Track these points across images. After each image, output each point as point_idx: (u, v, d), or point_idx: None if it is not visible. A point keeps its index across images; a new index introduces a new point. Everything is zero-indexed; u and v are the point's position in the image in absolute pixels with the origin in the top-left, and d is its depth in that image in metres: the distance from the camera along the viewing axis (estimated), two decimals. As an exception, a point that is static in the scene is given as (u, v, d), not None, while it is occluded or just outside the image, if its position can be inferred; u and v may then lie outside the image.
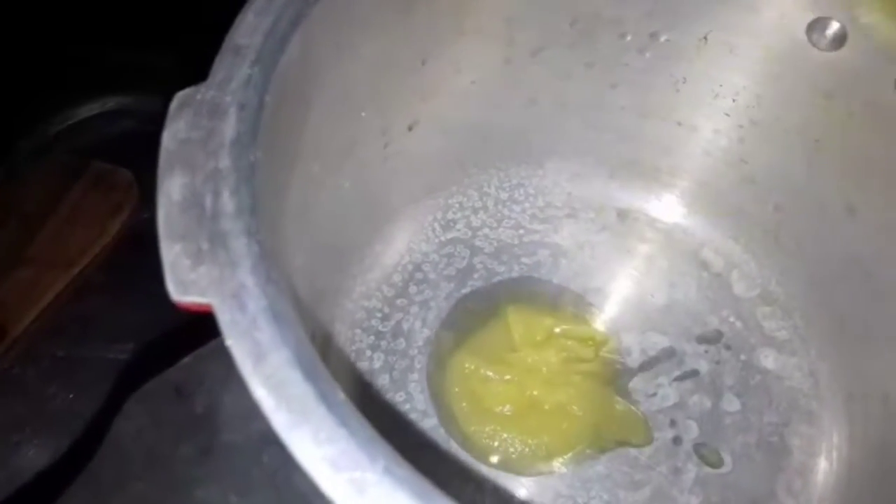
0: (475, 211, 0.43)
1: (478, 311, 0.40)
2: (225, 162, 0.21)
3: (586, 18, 0.35)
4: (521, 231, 0.43)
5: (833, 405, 0.38)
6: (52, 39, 0.49)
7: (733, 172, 0.40)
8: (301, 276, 0.31)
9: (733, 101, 0.37)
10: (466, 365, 0.37)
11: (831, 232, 0.37)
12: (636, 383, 0.39)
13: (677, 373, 0.39)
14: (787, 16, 0.33)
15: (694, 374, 0.39)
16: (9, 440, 0.39)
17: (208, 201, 0.20)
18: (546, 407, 0.36)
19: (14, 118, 0.48)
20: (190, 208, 0.20)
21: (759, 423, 0.38)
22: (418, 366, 0.39)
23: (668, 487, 0.36)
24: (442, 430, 0.37)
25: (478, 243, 0.42)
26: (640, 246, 0.42)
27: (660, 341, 0.40)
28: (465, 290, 0.41)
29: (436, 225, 0.42)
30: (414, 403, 0.37)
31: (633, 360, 0.39)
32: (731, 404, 0.38)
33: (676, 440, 0.37)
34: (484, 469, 0.36)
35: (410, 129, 0.36)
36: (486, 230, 0.43)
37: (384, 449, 0.17)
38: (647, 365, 0.39)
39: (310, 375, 0.18)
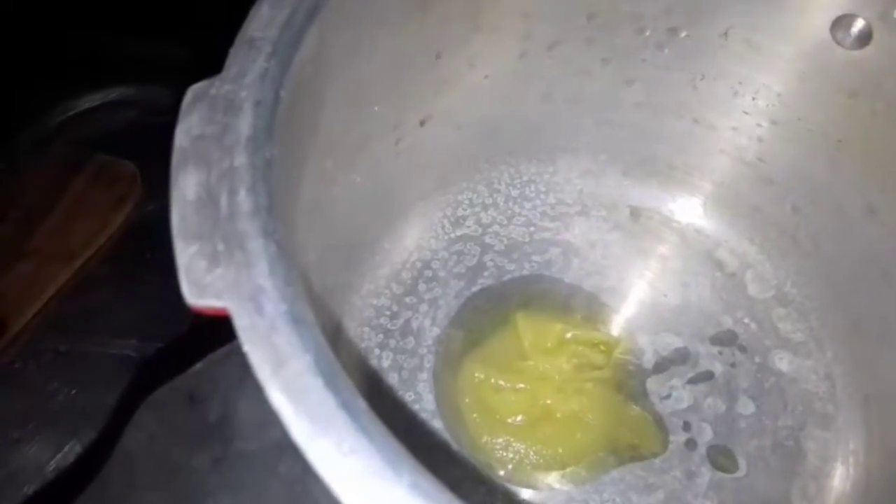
0: (485, 208, 0.42)
1: (488, 309, 0.40)
2: (241, 159, 0.20)
3: (604, 13, 0.34)
4: (532, 228, 0.42)
5: (849, 409, 0.37)
6: (53, 28, 0.48)
7: (751, 172, 0.39)
8: (311, 273, 0.30)
9: (753, 99, 0.36)
10: (477, 374, 0.36)
11: (850, 233, 0.36)
12: (650, 385, 0.38)
13: (691, 374, 0.38)
14: (811, 13, 0.32)
15: (708, 376, 0.38)
16: (9, 437, 0.39)
17: (224, 200, 0.20)
18: (559, 416, 0.36)
19: (15, 109, 0.47)
20: (205, 207, 0.19)
21: (774, 427, 0.37)
22: (427, 365, 0.38)
23: (681, 491, 0.35)
24: (453, 428, 0.36)
25: (488, 241, 0.41)
26: (654, 245, 0.42)
27: (673, 342, 0.39)
28: (475, 289, 0.40)
29: (445, 222, 0.41)
30: (423, 404, 0.37)
31: (647, 361, 0.39)
32: (746, 407, 0.38)
33: (690, 443, 0.37)
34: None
35: (423, 124, 0.36)
36: (497, 227, 0.42)
37: (410, 462, 0.16)
38: (661, 366, 0.39)
39: (331, 383, 0.17)
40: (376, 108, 0.32)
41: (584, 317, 0.39)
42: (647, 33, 0.35)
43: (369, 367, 0.37)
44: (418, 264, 0.40)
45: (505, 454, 0.35)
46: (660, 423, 0.37)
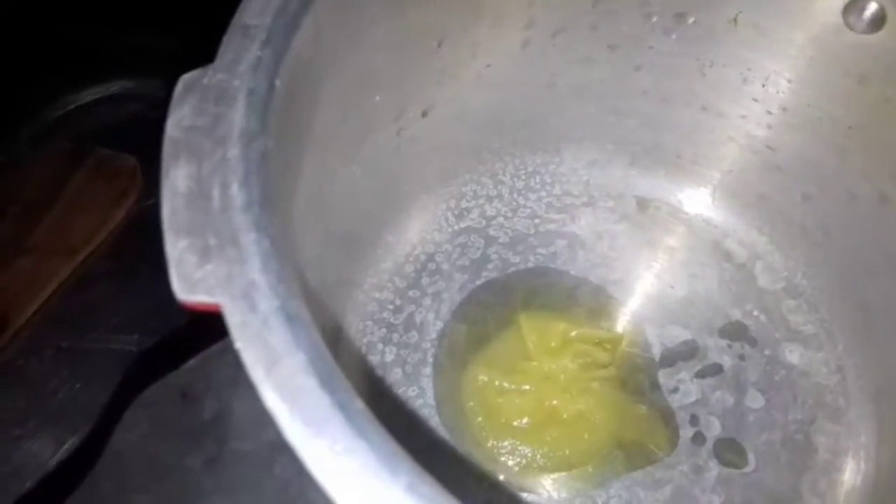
0: (489, 199, 0.41)
1: (492, 303, 0.39)
2: (234, 151, 0.20)
3: (610, -2, 0.34)
4: (537, 220, 0.41)
5: (860, 402, 0.37)
6: (53, 22, 0.48)
7: (759, 160, 0.38)
8: (311, 268, 0.30)
9: (762, 86, 0.35)
10: (481, 377, 0.36)
11: (862, 222, 0.36)
12: (657, 379, 0.37)
13: (699, 368, 0.38)
14: (822, -4, 0.31)
15: (716, 368, 0.38)
16: (11, 433, 0.38)
17: (216, 193, 0.19)
18: (565, 417, 0.35)
19: (15, 103, 0.47)
20: (196, 201, 0.19)
21: (784, 421, 0.36)
22: (431, 360, 0.37)
23: (689, 487, 0.35)
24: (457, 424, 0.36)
25: (492, 233, 0.41)
26: (661, 236, 0.41)
27: (681, 335, 0.39)
28: (479, 282, 0.40)
29: (449, 214, 0.41)
30: (427, 398, 0.36)
31: (654, 354, 0.38)
32: (755, 401, 0.37)
33: (698, 438, 0.36)
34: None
35: (425, 114, 0.35)
36: (501, 219, 0.41)
37: (407, 463, 0.16)
38: (668, 359, 0.38)
39: (326, 382, 0.17)
40: (377, 98, 0.31)
41: (590, 309, 0.39)
42: (654, 19, 0.35)
43: (373, 362, 0.37)
44: (422, 257, 0.40)
45: (511, 458, 0.34)
46: (668, 418, 0.36)
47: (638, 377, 0.37)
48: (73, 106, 0.48)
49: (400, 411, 0.36)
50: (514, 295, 0.39)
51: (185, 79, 0.21)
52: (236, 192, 0.19)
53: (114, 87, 0.49)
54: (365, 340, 0.37)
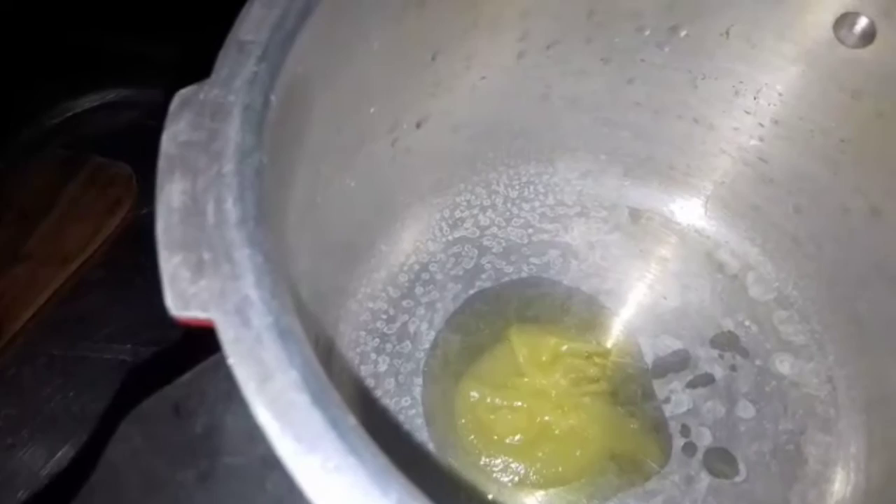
0: (483, 209, 0.42)
1: (485, 313, 0.39)
2: (228, 166, 0.20)
3: (604, 11, 0.34)
4: (531, 230, 0.41)
5: (851, 413, 0.37)
6: (50, 29, 0.48)
7: (752, 172, 0.38)
8: (305, 278, 0.30)
9: (754, 98, 0.36)
10: (472, 394, 0.35)
11: (853, 235, 0.36)
12: (649, 389, 0.37)
13: (691, 378, 0.38)
14: (814, 11, 0.32)
15: (708, 379, 0.38)
16: (4, 441, 0.38)
17: (210, 209, 0.19)
18: (557, 433, 0.35)
19: (11, 110, 0.47)
20: (191, 216, 0.19)
21: (775, 431, 0.37)
22: (425, 370, 0.37)
23: (680, 497, 0.35)
24: (449, 437, 0.36)
25: (486, 243, 0.41)
26: (654, 247, 0.41)
27: (673, 345, 0.39)
28: (472, 291, 0.40)
29: (443, 224, 0.41)
30: (420, 409, 0.36)
31: (646, 364, 0.38)
32: (746, 411, 0.37)
33: (689, 448, 0.36)
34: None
35: (419, 125, 0.35)
36: (495, 229, 0.41)
37: (398, 480, 0.16)
38: (660, 369, 0.38)
39: (318, 399, 0.17)
40: (372, 111, 0.31)
41: (583, 320, 0.39)
42: (647, 32, 0.35)
43: (366, 372, 0.37)
44: (415, 267, 0.40)
45: (504, 475, 0.34)
46: (660, 428, 0.36)
47: (630, 387, 0.37)
48: (69, 113, 0.48)
49: (393, 421, 0.36)
50: (507, 305, 0.39)
51: (182, 94, 0.21)
52: (231, 208, 0.19)
53: (110, 95, 0.49)
54: (358, 350, 0.37)
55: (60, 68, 0.49)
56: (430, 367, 0.37)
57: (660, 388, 0.38)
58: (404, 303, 0.39)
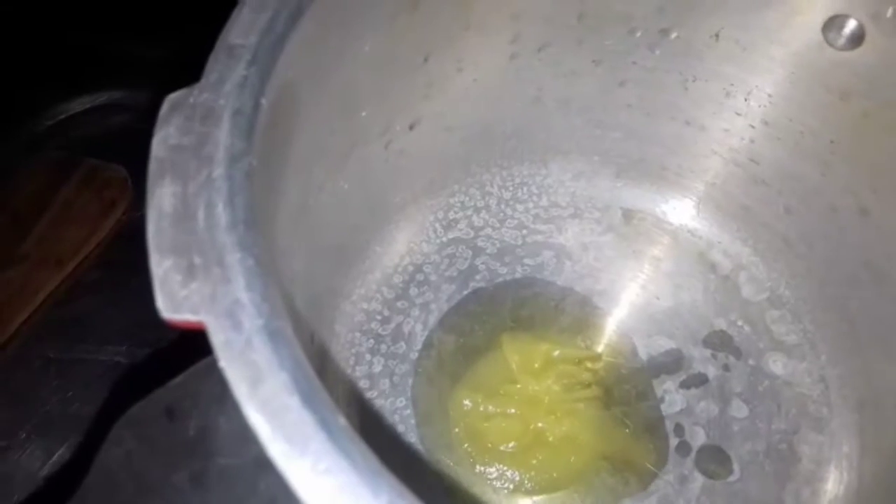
0: (477, 210, 0.42)
1: (479, 313, 0.39)
2: (219, 170, 0.20)
3: (595, 13, 0.34)
4: (525, 231, 0.42)
5: (843, 412, 0.37)
6: (42, 31, 0.48)
7: (743, 173, 0.39)
8: (299, 280, 0.30)
9: (745, 100, 0.36)
10: (465, 402, 0.36)
11: (843, 234, 0.36)
12: (643, 389, 0.38)
13: (684, 378, 0.38)
14: (803, 13, 0.32)
15: (701, 379, 0.38)
16: (-1, 444, 0.38)
17: (201, 213, 0.19)
18: (551, 439, 0.35)
19: (4, 113, 0.47)
20: (181, 220, 0.19)
21: (768, 431, 0.37)
22: (419, 370, 0.38)
23: (674, 496, 0.35)
24: (443, 440, 0.36)
25: (480, 244, 0.41)
26: (646, 247, 0.41)
27: (666, 345, 0.39)
28: (466, 292, 0.40)
29: (437, 225, 0.41)
30: (415, 409, 0.37)
31: (639, 364, 0.38)
32: (739, 410, 0.37)
33: (683, 448, 0.36)
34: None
35: (412, 127, 0.35)
36: (489, 230, 0.42)
37: (388, 481, 0.16)
38: (654, 369, 0.38)
39: (308, 400, 0.17)
40: (364, 114, 0.31)
41: (576, 320, 0.39)
42: (639, 34, 0.35)
43: (361, 373, 0.37)
44: (410, 268, 0.40)
45: (498, 482, 0.34)
46: (655, 429, 0.36)
47: (623, 387, 0.38)
48: (63, 116, 0.48)
49: (387, 422, 0.36)
50: (501, 306, 0.40)
51: (171, 98, 0.21)
52: (221, 212, 0.19)
53: (104, 97, 0.49)
54: (353, 351, 0.38)
55: (53, 71, 0.49)
56: (425, 367, 0.38)
57: (654, 387, 0.38)
58: (399, 304, 0.39)
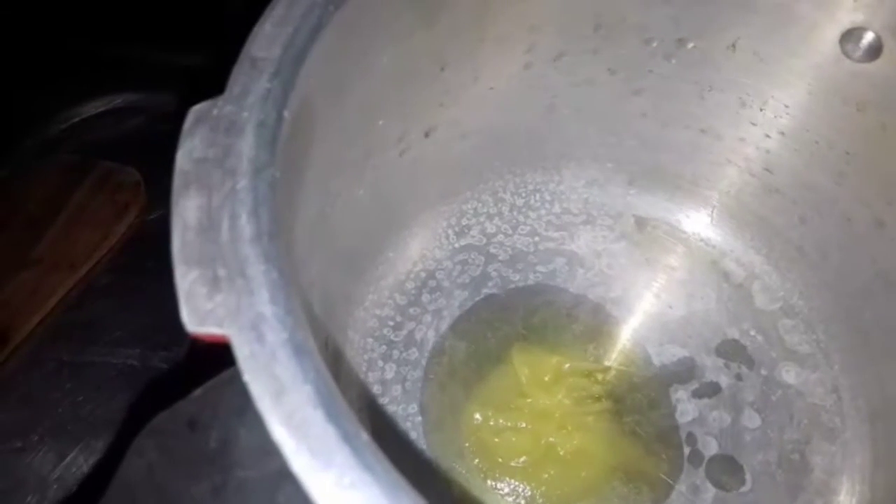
0: (490, 217, 0.42)
1: (492, 320, 0.39)
2: (243, 182, 0.20)
3: (611, 24, 0.34)
4: (537, 238, 0.42)
5: (856, 423, 0.37)
6: (57, 34, 0.48)
7: (758, 182, 0.39)
8: (315, 288, 0.30)
9: (760, 110, 0.36)
10: (476, 416, 0.36)
11: (858, 246, 0.36)
12: (656, 397, 0.38)
13: (696, 387, 0.38)
14: (820, 25, 0.32)
15: (714, 388, 0.38)
16: (13, 447, 0.38)
17: (225, 225, 0.19)
18: (562, 454, 0.35)
19: (19, 116, 0.47)
20: (206, 232, 0.19)
21: (780, 441, 0.37)
22: (431, 377, 0.38)
23: (686, 506, 0.35)
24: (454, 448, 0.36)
25: (492, 250, 0.41)
26: (660, 256, 0.41)
27: (679, 354, 0.39)
28: (478, 299, 0.40)
29: (450, 231, 0.41)
30: (426, 416, 0.37)
31: (651, 373, 0.38)
32: (752, 420, 0.37)
33: (695, 457, 0.36)
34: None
35: (427, 135, 0.35)
36: (501, 237, 0.42)
37: (411, 496, 0.16)
38: (666, 378, 0.38)
39: (332, 415, 0.17)
40: (381, 123, 0.31)
41: (589, 328, 0.39)
42: (654, 44, 0.35)
43: (373, 379, 0.37)
44: (422, 274, 0.40)
45: (510, 498, 0.34)
46: (668, 438, 0.36)
47: (636, 396, 0.38)
48: (76, 119, 0.48)
49: (398, 428, 0.36)
50: (513, 313, 0.40)
51: (196, 110, 0.21)
52: (245, 223, 0.20)
53: (118, 100, 0.49)
54: (366, 357, 0.38)
55: (66, 74, 0.49)
56: (437, 374, 0.38)
57: (665, 396, 0.38)
58: (411, 310, 0.39)
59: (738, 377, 0.38)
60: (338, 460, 0.16)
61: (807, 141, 0.36)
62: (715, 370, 0.38)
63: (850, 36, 0.31)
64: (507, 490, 0.35)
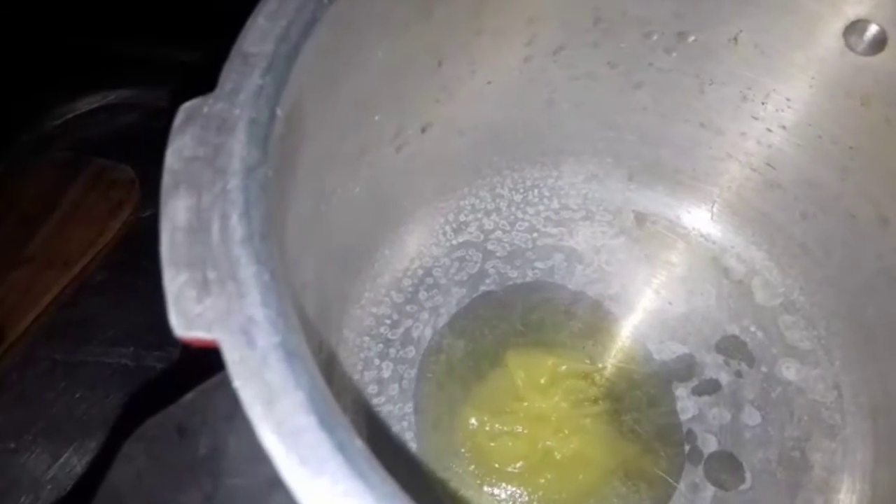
0: (488, 213, 0.41)
1: (489, 318, 0.39)
2: (234, 182, 0.20)
3: (611, 17, 0.33)
4: (536, 234, 0.41)
5: (857, 420, 0.37)
6: (50, 30, 0.47)
7: (759, 177, 0.38)
8: (309, 287, 0.30)
9: (762, 104, 0.35)
10: (471, 421, 0.35)
11: (861, 242, 0.36)
12: (654, 394, 0.37)
13: (696, 384, 0.38)
14: (823, 17, 0.31)
15: (714, 385, 0.38)
16: (6, 446, 0.38)
17: (215, 226, 0.19)
18: (559, 458, 0.34)
19: (12, 112, 0.46)
20: (196, 233, 0.19)
21: (780, 438, 0.37)
22: (428, 375, 0.37)
23: (686, 505, 0.35)
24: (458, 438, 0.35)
25: (490, 247, 0.41)
26: (659, 251, 0.41)
27: (678, 350, 0.39)
28: (476, 296, 0.40)
29: (447, 228, 0.41)
30: (424, 415, 0.36)
31: (651, 370, 0.38)
32: (752, 417, 0.37)
33: (695, 455, 0.36)
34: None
35: (424, 130, 0.35)
36: (499, 233, 0.41)
37: (406, 505, 0.16)
38: (666, 375, 0.38)
39: (325, 422, 0.16)
40: (376, 118, 0.31)
41: (588, 325, 0.39)
42: (655, 37, 0.34)
43: (369, 378, 0.37)
44: (419, 272, 0.40)
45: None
46: (667, 436, 0.36)
47: (636, 393, 0.37)
48: (70, 115, 0.48)
49: (397, 428, 0.36)
50: (511, 310, 0.39)
51: (186, 108, 0.21)
52: (236, 224, 0.19)
53: (111, 97, 0.49)
54: (362, 356, 0.37)
55: (60, 70, 0.48)
56: (434, 372, 0.37)
57: (665, 394, 0.37)
58: (408, 308, 0.39)
59: (738, 374, 0.38)
60: (330, 468, 0.16)
61: (810, 136, 0.35)
62: (715, 367, 0.38)
63: (853, 28, 0.31)
64: (503, 496, 0.34)
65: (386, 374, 0.37)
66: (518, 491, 0.34)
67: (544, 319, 0.39)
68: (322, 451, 0.16)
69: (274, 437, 0.16)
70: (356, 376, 0.37)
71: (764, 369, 0.38)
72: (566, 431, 0.35)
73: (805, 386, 0.38)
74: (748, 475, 0.36)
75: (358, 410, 0.35)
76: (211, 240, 0.19)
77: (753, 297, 0.40)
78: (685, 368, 0.38)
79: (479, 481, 0.34)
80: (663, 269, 0.41)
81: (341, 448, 0.16)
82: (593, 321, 0.39)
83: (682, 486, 0.35)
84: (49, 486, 0.37)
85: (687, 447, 0.36)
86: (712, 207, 0.41)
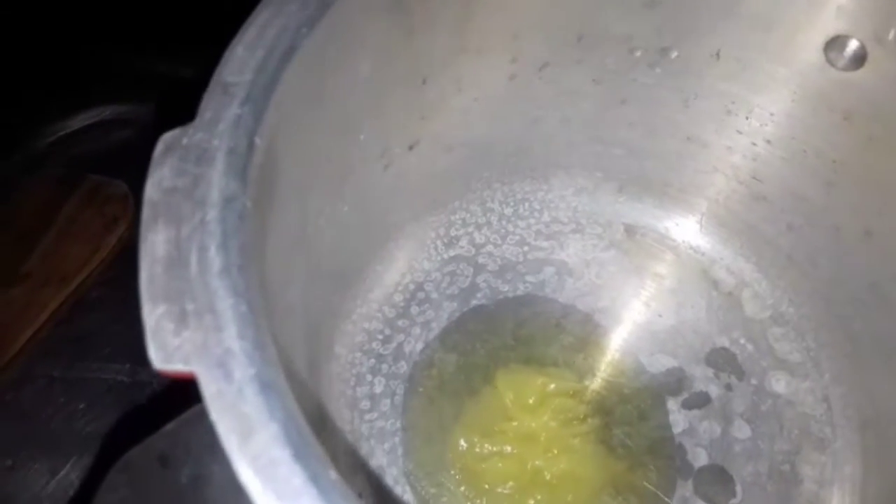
0: (478, 227, 0.42)
1: (481, 332, 0.39)
2: (212, 213, 0.20)
3: (594, 34, 0.34)
4: (526, 248, 0.41)
5: (847, 432, 0.37)
6: (44, 46, 0.48)
7: (745, 190, 0.38)
8: (297, 310, 0.30)
9: (746, 118, 0.36)
10: (462, 442, 0.35)
11: (847, 254, 0.36)
12: (644, 409, 0.37)
13: (686, 397, 0.38)
14: (804, 33, 0.31)
15: (703, 398, 0.38)
16: (3, 463, 0.39)
17: (194, 257, 0.19)
18: (548, 478, 0.35)
19: (6, 129, 0.47)
20: (174, 266, 0.19)
21: (770, 451, 0.37)
22: (420, 390, 0.38)
23: (676, 519, 0.35)
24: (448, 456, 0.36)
25: (481, 261, 0.41)
26: (649, 264, 0.41)
27: (668, 363, 0.39)
28: (467, 310, 0.40)
29: (438, 242, 0.41)
30: (415, 431, 0.36)
31: (641, 383, 0.38)
32: (742, 431, 0.37)
33: (685, 469, 0.36)
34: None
35: (411, 148, 0.35)
36: (490, 247, 0.41)
37: (378, 538, 0.16)
38: (656, 388, 0.38)
39: (300, 454, 0.17)
40: (361, 138, 0.31)
41: (578, 339, 0.39)
42: (638, 54, 0.35)
43: (361, 394, 0.37)
44: (411, 286, 0.40)
45: None
46: (658, 450, 0.36)
47: (626, 407, 0.37)
48: (64, 132, 0.48)
49: (389, 444, 0.36)
50: (502, 324, 0.39)
51: (166, 138, 0.21)
52: (214, 256, 0.19)
53: (105, 112, 0.49)
54: (354, 371, 0.38)
55: (53, 86, 0.49)
56: (426, 387, 0.38)
57: (656, 407, 0.38)
58: (399, 322, 0.39)
59: (728, 387, 0.38)
60: (304, 502, 0.16)
61: (794, 150, 0.35)
62: (704, 380, 0.38)
63: (833, 44, 0.31)
64: None
65: (378, 389, 0.37)
66: None
67: (535, 334, 0.39)
68: (296, 483, 0.16)
69: (249, 470, 0.17)
70: (349, 392, 0.37)
71: (754, 382, 0.38)
72: (555, 451, 0.35)
73: (795, 399, 0.38)
74: (739, 489, 0.36)
75: (352, 427, 0.36)
76: (189, 272, 0.19)
77: (743, 309, 0.40)
78: (675, 382, 0.38)
79: (469, 503, 0.34)
80: (653, 281, 0.41)
81: (315, 481, 0.17)
82: (584, 335, 0.39)
83: (672, 501, 0.35)
84: (47, 503, 0.38)
85: (677, 461, 0.36)
86: (700, 220, 0.41)
